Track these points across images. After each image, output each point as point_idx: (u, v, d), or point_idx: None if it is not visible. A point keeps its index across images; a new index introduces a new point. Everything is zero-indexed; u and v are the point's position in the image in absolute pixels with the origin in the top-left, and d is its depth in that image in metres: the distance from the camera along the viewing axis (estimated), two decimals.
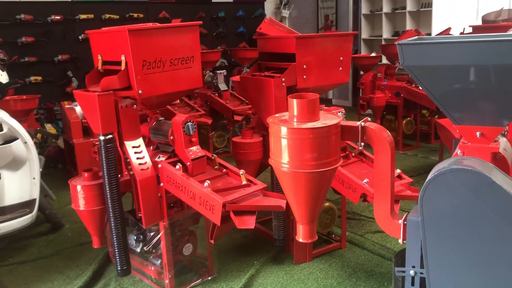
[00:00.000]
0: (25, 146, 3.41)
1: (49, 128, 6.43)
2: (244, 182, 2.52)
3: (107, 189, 2.55)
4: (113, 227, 2.60)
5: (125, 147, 2.60)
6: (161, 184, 2.63)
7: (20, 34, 6.94)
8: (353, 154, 3.00)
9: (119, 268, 2.67)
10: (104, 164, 2.52)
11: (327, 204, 3.19)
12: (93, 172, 2.71)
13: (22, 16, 6.92)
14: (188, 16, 8.00)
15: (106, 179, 2.54)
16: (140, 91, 2.47)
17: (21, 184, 3.44)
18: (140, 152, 2.63)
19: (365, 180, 2.67)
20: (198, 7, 8.44)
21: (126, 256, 2.68)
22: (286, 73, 2.83)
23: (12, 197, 3.41)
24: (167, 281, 2.78)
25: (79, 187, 2.65)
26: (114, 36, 2.53)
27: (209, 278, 2.97)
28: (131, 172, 2.63)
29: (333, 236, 3.38)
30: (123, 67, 2.47)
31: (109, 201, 2.57)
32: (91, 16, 7.45)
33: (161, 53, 2.52)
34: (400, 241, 1.91)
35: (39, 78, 7.25)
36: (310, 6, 9.56)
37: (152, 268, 2.93)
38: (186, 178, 2.47)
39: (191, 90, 2.73)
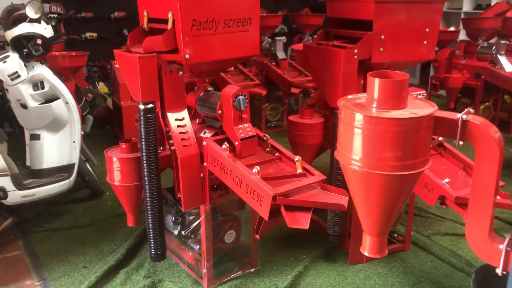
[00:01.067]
0: (66, 107, 3.20)
1: (101, 87, 6.28)
2: (300, 170, 2.14)
3: (145, 164, 2.25)
4: (148, 207, 2.32)
5: (167, 118, 2.28)
6: (205, 163, 2.30)
7: None
8: (431, 145, 2.53)
9: (152, 252, 2.40)
10: (143, 136, 2.22)
11: None
12: (132, 143, 2.43)
13: None
14: None
15: (144, 153, 2.24)
16: (187, 56, 2.12)
17: (60, 147, 3.24)
18: (183, 126, 2.30)
19: (446, 180, 2.22)
20: None
21: (161, 239, 2.40)
22: (360, 43, 2.37)
23: (51, 160, 3.22)
24: (204, 270, 2.49)
25: (115, 159, 2.38)
26: None
27: (252, 270, 2.65)
28: (172, 148, 2.32)
29: (396, 235, 2.96)
30: (169, 26, 2.11)
31: (146, 177, 2.27)
32: None
33: (215, 12, 2.14)
34: (499, 271, 1.48)
35: (95, 34, 7.09)
36: None
37: (190, 253, 2.64)
38: (232, 160, 2.12)
39: (247, 58, 2.36)
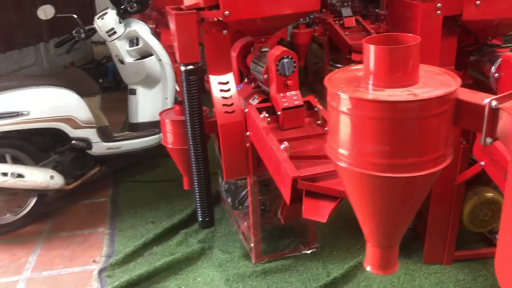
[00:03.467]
0: (159, 64, 3.25)
1: None
2: None
3: (189, 128, 2.16)
4: (194, 172, 2.24)
5: (210, 80, 2.12)
6: (248, 133, 2.10)
7: None
8: None
9: (200, 219, 2.33)
10: (186, 99, 2.11)
11: (490, 195, 2.20)
12: None
13: None
14: None
15: (187, 117, 2.14)
16: (226, 12, 1.90)
17: (153, 102, 3.34)
18: (227, 91, 2.12)
19: None
20: None
21: (208, 206, 2.31)
22: None
23: (145, 115, 3.36)
24: (252, 245, 2.35)
25: (167, 121, 2.33)
26: None
27: (308, 252, 2.42)
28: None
29: (496, 237, 2.38)
30: None
31: (190, 142, 2.18)
32: None
33: None
34: None
35: None
36: None
37: (246, 223, 2.52)
38: (266, 132, 1.88)
39: (303, 14, 2.03)
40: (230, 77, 2.13)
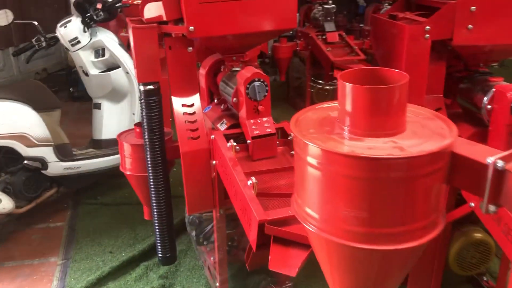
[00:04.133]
0: (126, 76, 3.01)
1: None
2: None
3: (148, 154, 1.93)
4: (154, 203, 2.00)
5: (172, 102, 1.90)
6: (214, 162, 1.88)
7: None
8: None
9: (160, 255, 2.09)
10: (145, 123, 1.88)
11: (478, 235, 2.01)
12: None
13: None
14: None
15: (147, 142, 1.91)
16: (191, 28, 1.68)
17: (119, 118, 3.10)
18: (191, 114, 1.89)
19: None
20: None
21: (170, 240, 2.07)
22: (435, 17, 1.67)
23: (109, 132, 3.11)
24: (217, 285, 2.11)
25: (125, 145, 2.09)
26: None
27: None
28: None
29: (484, 279, 2.20)
30: None
31: (150, 170, 1.95)
32: None
33: None
34: None
35: None
36: None
37: (212, 258, 2.28)
38: (232, 164, 1.66)
39: (278, 32, 1.82)
40: (195, 99, 1.90)
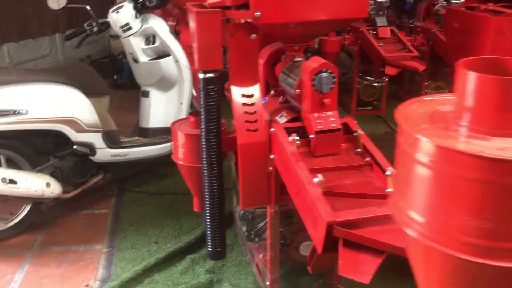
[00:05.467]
0: (176, 65, 2.96)
1: None
2: (391, 189, 1.47)
3: (204, 145, 1.85)
4: (207, 195, 1.93)
5: (231, 91, 1.82)
6: (272, 156, 1.79)
7: None
8: None
9: (210, 249, 2.02)
10: (203, 112, 1.81)
11: None
12: None
13: None
14: None
15: (203, 132, 1.84)
16: (257, 14, 1.59)
17: (167, 107, 3.06)
18: (251, 105, 1.81)
19: None
20: None
21: (220, 235, 2.00)
22: None
23: (156, 120, 3.07)
24: (267, 283, 2.03)
25: (180, 134, 2.03)
26: None
27: None
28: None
29: None
30: None
31: (204, 161, 1.88)
32: None
33: None
34: None
35: None
36: None
37: (261, 255, 2.20)
38: (295, 159, 1.56)
39: (347, 21, 1.71)
40: (256, 89, 1.81)
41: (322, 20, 1.68)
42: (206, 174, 1.90)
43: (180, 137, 2.02)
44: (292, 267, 2.14)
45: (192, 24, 1.74)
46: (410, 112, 0.84)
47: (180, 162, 2.07)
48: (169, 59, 2.95)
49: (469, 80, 0.75)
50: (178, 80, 3.01)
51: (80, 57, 5.66)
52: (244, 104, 1.80)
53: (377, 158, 1.61)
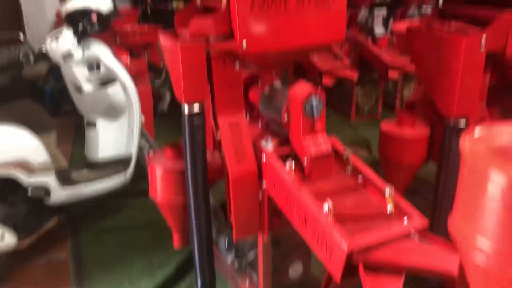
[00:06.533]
0: (124, 91, 2.82)
1: None
2: (391, 208, 1.53)
3: (190, 182, 1.79)
4: (195, 231, 1.86)
5: (218, 123, 1.78)
6: (264, 184, 1.78)
7: None
8: None
9: (199, 284, 1.96)
10: (188, 146, 1.74)
11: None
12: (181, 148, 1.96)
13: None
14: None
15: (189, 169, 1.77)
16: (244, 43, 1.57)
17: (117, 136, 2.91)
18: (239, 134, 1.78)
19: None
20: None
21: (210, 268, 1.95)
22: (491, 28, 1.66)
23: (106, 151, 2.91)
24: None
25: (159, 171, 1.93)
26: None
27: None
28: (223, 160, 1.82)
29: None
30: (224, 3, 1.58)
31: (191, 195, 1.81)
32: None
33: None
34: None
35: (182, 3, 6.74)
36: None
37: (247, 283, 2.17)
38: (297, 187, 1.57)
39: (327, 45, 1.77)
40: (242, 116, 1.79)
41: (305, 46, 1.70)
42: (193, 211, 1.83)
43: (160, 173, 1.93)
44: None
45: (172, 55, 1.68)
46: (470, 144, 0.88)
47: (160, 199, 1.98)
48: (116, 85, 2.81)
49: None
50: (126, 106, 2.88)
51: None
52: (232, 133, 1.76)
53: (370, 177, 1.66)
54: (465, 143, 0.87)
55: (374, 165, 3.36)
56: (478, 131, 0.91)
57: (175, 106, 4.64)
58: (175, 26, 1.79)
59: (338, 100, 4.95)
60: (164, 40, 1.75)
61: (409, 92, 4.85)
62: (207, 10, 1.79)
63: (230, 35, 1.62)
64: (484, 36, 1.65)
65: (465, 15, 1.90)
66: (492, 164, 0.82)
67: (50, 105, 4.88)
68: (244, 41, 1.57)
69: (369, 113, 4.69)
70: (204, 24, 1.61)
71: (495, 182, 0.79)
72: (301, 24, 1.63)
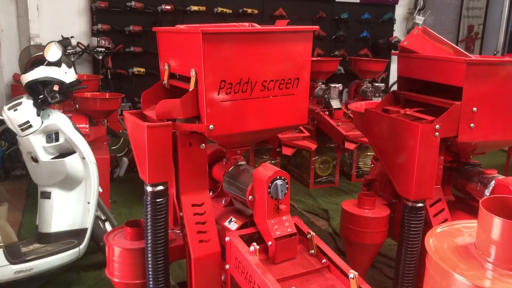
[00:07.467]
0: (82, 162, 2.76)
1: None
2: None
3: (149, 259, 1.74)
4: None
5: (181, 203, 1.76)
6: (227, 266, 1.75)
7: (128, 22, 6.54)
8: None
9: None
10: (149, 225, 1.71)
11: None
12: (141, 228, 1.90)
13: (133, 3, 6.50)
14: (307, 15, 7.13)
15: (150, 247, 1.73)
16: (211, 126, 1.60)
17: (72, 208, 2.79)
18: (202, 214, 1.77)
19: None
20: (319, 5, 7.47)
21: None
22: (444, 117, 1.78)
23: (60, 223, 2.77)
24: None
25: (118, 250, 1.87)
26: (185, 39, 1.69)
27: None
28: (185, 239, 1.79)
29: None
30: (191, 87, 1.63)
31: (150, 276, 1.75)
32: (203, 8, 6.82)
33: (250, 71, 1.64)
34: None
35: (142, 70, 6.82)
36: (451, 13, 8.09)
37: None
38: (262, 271, 1.55)
39: (290, 128, 1.83)
40: (206, 197, 1.78)
41: (270, 129, 1.75)
42: None
43: (118, 252, 1.87)
44: None
45: (138, 135, 1.68)
46: (433, 247, 0.91)
47: (116, 280, 1.90)
48: (74, 156, 2.74)
49: (492, 222, 0.85)
50: (84, 178, 2.80)
51: None
52: (195, 214, 1.75)
53: (333, 260, 1.67)
54: (428, 239, 0.91)
55: (335, 236, 3.38)
56: (436, 230, 0.95)
57: (132, 170, 4.57)
58: (142, 106, 1.81)
59: (296, 167, 5.05)
60: (130, 120, 1.76)
61: (363, 162, 5.02)
62: (173, 89, 1.83)
63: (197, 117, 1.65)
64: (437, 124, 1.76)
65: (416, 101, 2.03)
66: (449, 262, 0.85)
67: (0, 168, 4.70)
68: (211, 124, 1.60)
69: (327, 181, 4.78)
70: (172, 106, 1.64)
71: (451, 281, 0.82)
72: (266, 109, 1.69)
